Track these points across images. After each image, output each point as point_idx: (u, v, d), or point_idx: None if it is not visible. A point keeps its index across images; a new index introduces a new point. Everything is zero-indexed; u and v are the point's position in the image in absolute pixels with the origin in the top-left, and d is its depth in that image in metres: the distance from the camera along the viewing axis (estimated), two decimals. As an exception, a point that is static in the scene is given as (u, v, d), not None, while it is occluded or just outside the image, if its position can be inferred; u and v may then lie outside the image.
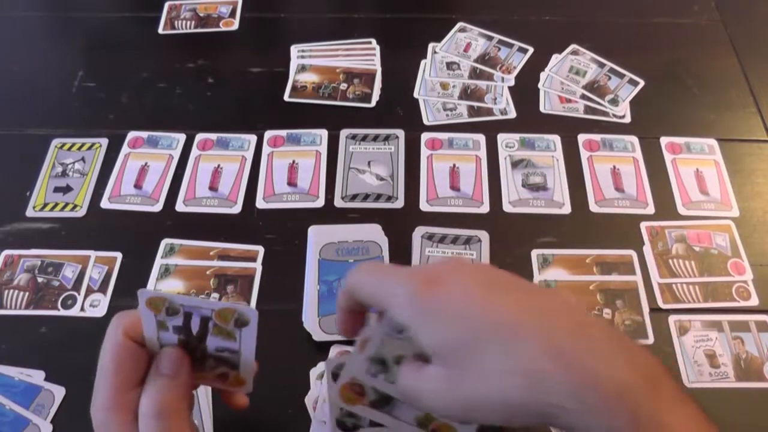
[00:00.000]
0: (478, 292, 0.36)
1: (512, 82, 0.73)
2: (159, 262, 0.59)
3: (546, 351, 0.33)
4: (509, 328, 0.34)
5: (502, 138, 0.68)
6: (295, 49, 0.77)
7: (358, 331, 0.41)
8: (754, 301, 0.57)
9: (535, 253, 0.60)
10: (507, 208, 0.63)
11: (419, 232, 0.61)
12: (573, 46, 0.77)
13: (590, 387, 0.32)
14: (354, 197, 0.64)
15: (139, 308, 0.38)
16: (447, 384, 0.35)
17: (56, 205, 0.64)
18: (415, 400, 0.37)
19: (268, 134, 0.69)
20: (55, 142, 0.68)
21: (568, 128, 0.69)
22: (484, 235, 0.60)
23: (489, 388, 0.34)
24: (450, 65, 0.75)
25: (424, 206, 0.63)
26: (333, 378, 0.41)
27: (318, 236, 0.60)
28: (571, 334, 0.34)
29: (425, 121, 0.70)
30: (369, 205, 0.63)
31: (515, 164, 0.66)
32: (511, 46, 0.77)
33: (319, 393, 0.51)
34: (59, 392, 0.52)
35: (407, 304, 0.36)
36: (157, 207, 0.63)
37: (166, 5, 0.82)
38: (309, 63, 0.75)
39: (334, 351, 0.53)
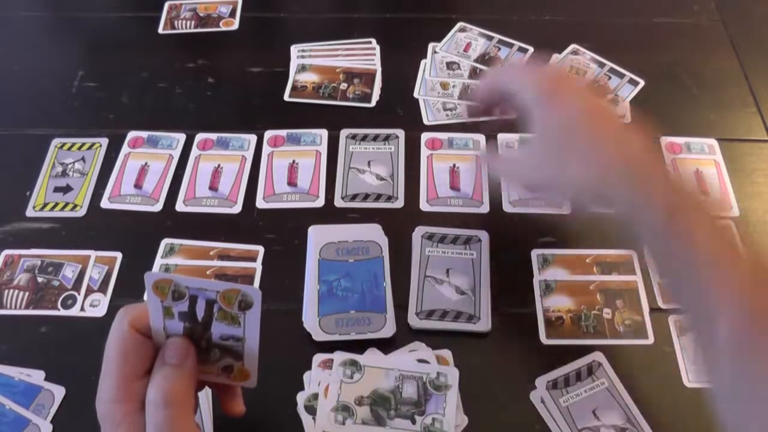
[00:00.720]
0: (579, 110, 0.50)
1: (512, 82, 0.73)
2: (159, 262, 0.59)
3: (618, 155, 0.47)
4: (596, 136, 0.48)
5: (502, 138, 0.68)
6: (295, 49, 0.77)
7: (484, 114, 0.60)
8: (754, 301, 0.57)
9: (535, 253, 0.60)
10: (507, 208, 0.63)
11: (419, 232, 0.61)
12: (573, 46, 0.77)
13: (643, 184, 0.45)
14: (354, 197, 0.64)
15: (146, 292, 0.38)
16: (542, 159, 0.51)
17: (56, 204, 0.64)
18: (515, 170, 0.56)
19: (268, 134, 0.69)
20: (55, 142, 0.68)
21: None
22: (483, 235, 0.60)
23: (574, 170, 0.48)
24: (450, 65, 0.75)
25: (424, 206, 0.63)
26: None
27: (318, 236, 0.60)
28: (640, 152, 0.47)
29: (425, 121, 0.70)
30: (369, 205, 0.63)
31: (515, 164, 0.66)
32: (511, 46, 0.77)
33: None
34: (59, 392, 0.52)
35: (533, 98, 0.51)
36: (157, 207, 0.63)
37: (166, 5, 0.82)
38: (309, 63, 0.75)
39: (338, 357, 0.53)
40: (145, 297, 0.38)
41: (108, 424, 0.38)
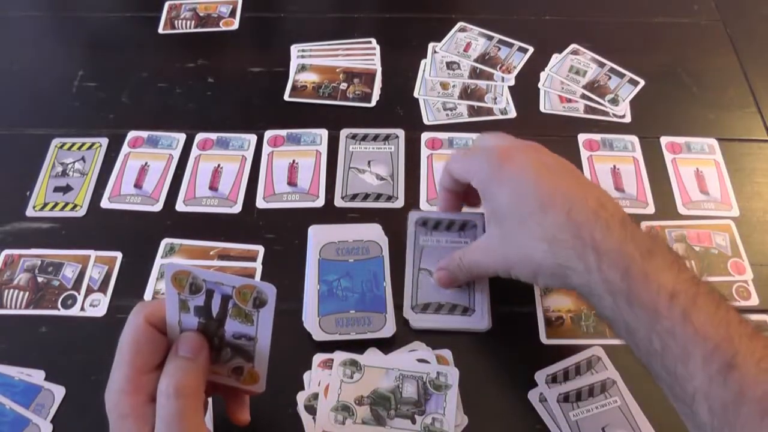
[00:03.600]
0: (533, 172, 0.48)
1: (512, 82, 0.73)
2: (159, 261, 0.59)
3: (566, 225, 0.45)
4: (544, 205, 0.46)
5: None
6: (295, 49, 0.77)
7: (456, 208, 0.58)
8: (754, 301, 0.57)
9: (535, 253, 0.60)
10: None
11: (413, 216, 0.60)
12: (573, 46, 0.77)
13: (592, 253, 0.43)
14: (354, 197, 0.64)
15: (165, 284, 0.39)
16: (499, 242, 0.50)
17: (56, 204, 0.64)
18: (473, 263, 0.53)
19: (268, 134, 0.69)
20: (55, 141, 0.68)
21: (568, 128, 0.69)
22: (479, 220, 0.59)
23: (525, 250, 0.47)
24: (450, 65, 0.75)
25: (424, 206, 0.63)
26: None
27: (318, 236, 0.60)
28: (590, 214, 0.45)
29: (425, 121, 0.70)
30: (369, 204, 0.63)
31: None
32: (511, 45, 0.77)
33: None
34: (59, 392, 0.52)
35: (485, 176, 0.50)
36: (157, 207, 0.63)
37: (166, 5, 0.82)
38: (309, 63, 0.75)
39: (338, 357, 0.53)
40: (164, 286, 0.39)
41: (115, 415, 0.38)
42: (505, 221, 0.49)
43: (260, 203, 0.64)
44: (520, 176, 0.48)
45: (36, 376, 0.53)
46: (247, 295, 0.39)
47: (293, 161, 0.66)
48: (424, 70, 0.75)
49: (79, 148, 0.68)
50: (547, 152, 0.52)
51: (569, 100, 0.72)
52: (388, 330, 0.54)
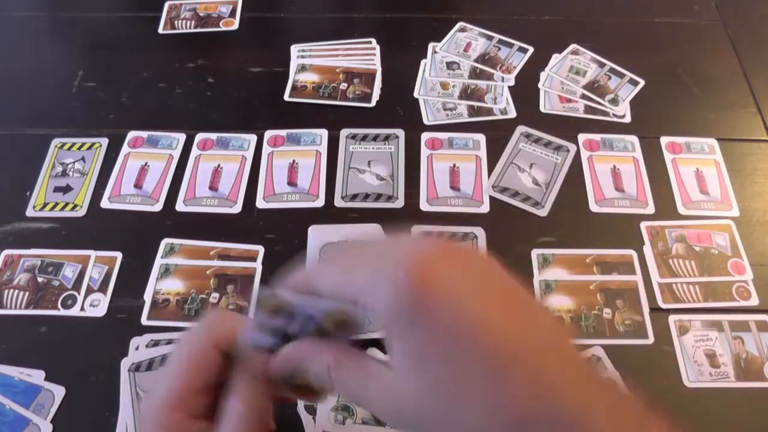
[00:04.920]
0: (474, 306, 0.30)
1: (512, 82, 0.73)
2: (159, 261, 0.59)
3: (535, 395, 0.29)
4: (501, 367, 0.29)
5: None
6: (295, 49, 0.77)
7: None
8: (754, 301, 0.57)
9: (535, 253, 0.60)
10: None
11: (416, 231, 0.61)
12: (573, 46, 0.77)
13: None
14: (354, 197, 0.64)
15: (252, 307, 0.37)
16: (416, 405, 0.30)
17: (56, 204, 0.64)
18: (362, 402, 0.33)
19: (268, 134, 0.69)
20: (55, 142, 0.68)
21: (568, 128, 0.69)
22: (480, 232, 0.60)
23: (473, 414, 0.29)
24: (450, 65, 0.75)
25: (424, 206, 0.63)
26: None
27: (318, 236, 0.60)
28: (561, 374, 0.29)
29: (425, 121, 0.70)
30: (369, 205, 0.63)
31: (515, 164, 0.66)
32: (511, 45, 0.77)
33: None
34: (59, 392, 0.52)
35: (388, 309, 0.30)
36: (157, 207, 0.63)
37: (166, 5, 0.82)
38: (309, 63, 0.75)
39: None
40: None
41: (153, 425, 0.37)
42: (429, 391, 0.30)
43: (260, 203, 0.64)
44: (450, 317, 0.29)
45: (36, 376, 0.53)
46: (333, 319, 0.35)
47: (293, 161, 0.66)
48: (424, 70, 0.75)
49: (79, 148, 0.68)
50: (488, 264, 0.34)
51: (569, 101, 0.72)
52: (388, 330, 0.54)
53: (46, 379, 0.53)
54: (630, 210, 0.63)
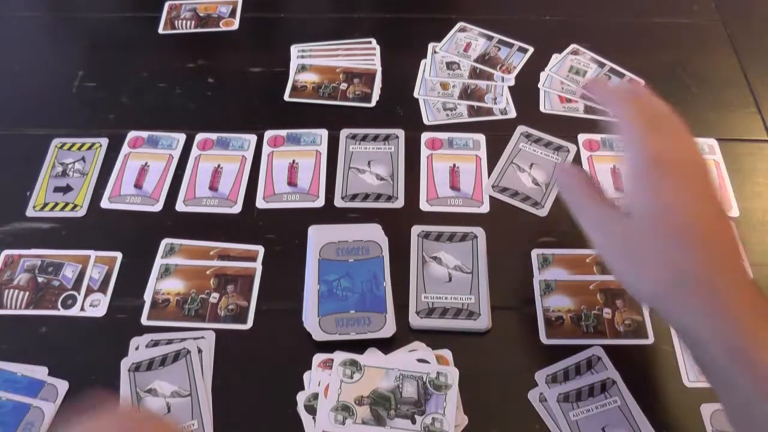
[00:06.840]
0: (683, 197, 0.43)
1: (512, 82, 0.73)
2: (159, 261, 0.59)
3: (699, 260, 0.41)
4: (684, 233, 0.42)
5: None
6: (295, 49, 0.77)
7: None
8: (754, 301, 0.57)
9: (535, 253, 0.60)
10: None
11: (416, 230, 0.61)
12: (573, 46, 0.77)
13: (712, 301, 0.40)
14: (354, 197, 0.64)
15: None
16: (627, 244, 0.44)
17: (56, 204, 0.64)
18: (594, 241, 0.47)
19: (268, 134, 0.69)
20: (55, 142, 0.68)
21: (568, 128, 0.69)
22: (480, 232, 0.60)
23: (649, 270, 0.43)
24: (450, 65, 0.75)
25: (424, 206, 0.63)
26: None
27: (318, 236, 0.60)
28: (723, 256, 0.42)
29: (425, 121, 0.70)
30: (369, 204, 0.64)
31: (515, 164, 0.66)
32: (511, 46, 0.77)
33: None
34: (62, 386, 0.52)
35: (636, 175, 0.45)
36: (157, 207, 0.63)
37: (166, 5, 0.82)
38: (309, 63, 0.75)
39: (338, 357, 0.53)
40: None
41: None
42: (642, 229, 0.44)
43: (260, 203, 0.64)
44: (670, 196, 0.43)
45: (39, 372, 0.53)
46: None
47: (293, 161, 0.66)
48: (424, 71, 0.75)
49: (79, 149, 0.68)
50: (701, 175, 0.45)
51: (569, 101, 0.72)
52: (388, 330, 0.54)
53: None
54: (630, 210, 0.63)
